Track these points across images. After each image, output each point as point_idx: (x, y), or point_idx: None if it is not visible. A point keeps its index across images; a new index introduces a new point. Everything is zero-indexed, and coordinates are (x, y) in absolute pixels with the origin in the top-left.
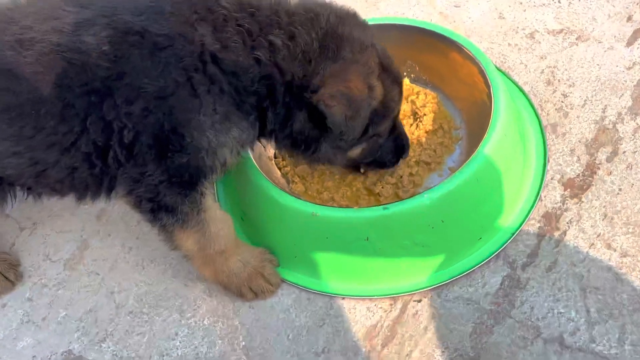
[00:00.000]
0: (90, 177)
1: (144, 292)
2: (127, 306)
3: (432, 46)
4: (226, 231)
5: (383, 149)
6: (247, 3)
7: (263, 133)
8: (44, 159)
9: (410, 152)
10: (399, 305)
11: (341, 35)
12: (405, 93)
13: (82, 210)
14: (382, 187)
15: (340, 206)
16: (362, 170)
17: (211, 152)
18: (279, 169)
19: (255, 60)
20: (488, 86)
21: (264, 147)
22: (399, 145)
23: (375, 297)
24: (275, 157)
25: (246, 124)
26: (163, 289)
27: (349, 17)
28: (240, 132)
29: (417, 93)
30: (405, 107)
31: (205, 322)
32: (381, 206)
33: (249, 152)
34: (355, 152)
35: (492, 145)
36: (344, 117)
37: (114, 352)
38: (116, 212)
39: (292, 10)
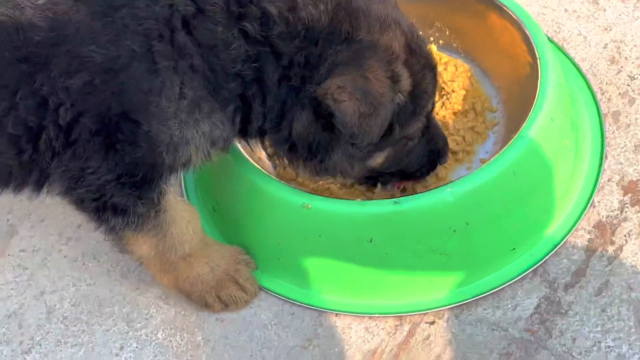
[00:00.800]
0: (17, 166)
1: (83, 295)
2: (61, 310)
3: (467, 6)
4: (191, 233)
5: (412, 155)
6: None
7: (247, 131)
8: None
9: None
10: (406, 327)
11: (357, 10)
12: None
13: None
14: None
15: (339, 198)
16: (379, 185)
17: (172, 148)
18: (265, 148)
19: (241, 32)
20: (535, 60)
21: (252, 148)
22: (433, 150)
23: (377, 315)
24: None
25: (221, 117)
26: (107, 292)
27: None
28: (212, 126)
29: (446, 64)
30: None
31: (159, 335)
32: (391, 200)
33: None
34: (377, 160)
35: (535, 131)
36: (358, 115)
37: None
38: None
39: None
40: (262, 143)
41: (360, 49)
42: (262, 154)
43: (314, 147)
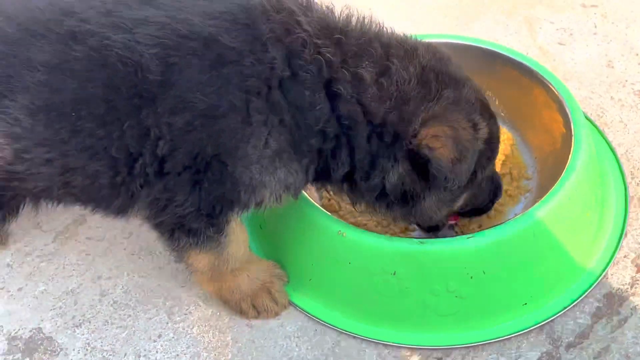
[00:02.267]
0: (109, 188)
1: (134, 285)
2: (113, 295)
3: (516, 80)
4: (242, 252)
5: (483, 194)
6: (334, 27)
7: (317, 179)
8: (74, 165)
9: None
10: (415, 358)
11: (439, 70)
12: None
13: None
14: None
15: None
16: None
17: (250, 189)
18: (325, 192)
19: (329, 95)
20: (570, 136)
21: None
22: (495, 186)
23: (391, 343)
24: None
25: (297, 167)
26: (156, 285)
27: (438, 51)
28: (287, 174)
29: None
30: None
31: (194, 330)
32: (417, 239)
33: (291, 199)
34: (460, 202)
35: (559, 200)
36: (450, 160)
37: (87, 341)
38: None
39: (386, 40)
40: (326, 189)
41: (447, 104)
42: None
43: (408, 195)
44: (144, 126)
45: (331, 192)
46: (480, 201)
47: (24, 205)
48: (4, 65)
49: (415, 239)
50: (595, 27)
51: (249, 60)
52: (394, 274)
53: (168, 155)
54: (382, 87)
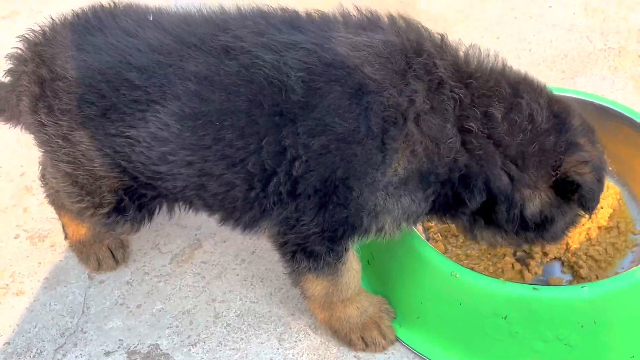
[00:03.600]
0: (242, 200)
1: (247, 309)
2: (227, 318)
3: (627, 136)
4: (355, 282)
5: None
6: (464, 71)
7: (443, 211)
8: (211, 171)
9: (577, 244)
10: None
11: (563, 103)
12: None
13: None
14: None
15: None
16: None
17: (373, 215)
18: (422, 222)
19: (459, 129)
20: None
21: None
22: None
23: None
24: None
25: (421, 196)
26: (267, 311)
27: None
28: (411, 202)
29: None
30: None
31: (303, 357)
32: (531, 285)
33: (407, 229)
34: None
35: None
36: (597, 183)
37: None
38: None
39: (513, 78)
40: (442, 220)
41: (578, 132)
42: (419, 226)
43: (543, 222)
44: (282, 145)
45: (450, 224)
46: None
47: (159, 208)
48: (160, 74)
49: (528, 285)
50: None
51: (389, 92)
52: (505, 317)
53: (301, 177)
54: (514, 122)
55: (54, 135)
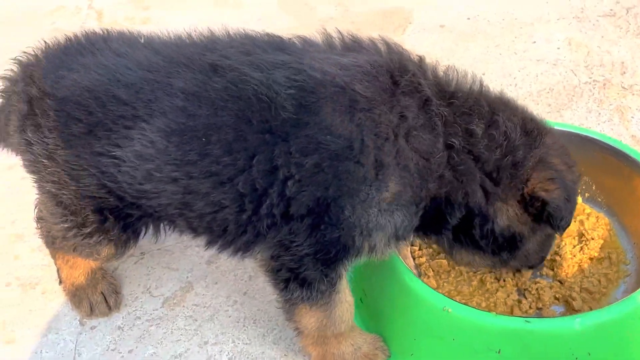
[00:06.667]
0: (233, 223)
1: (239, 351)
2: None
3: (615, 168)
4: (349, 315)
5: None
6: (446, 90)
7: (427, 228)
8: (197, 188)
9: (570, 278)
10: None
11: (535, 121)
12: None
13: (194, 252)
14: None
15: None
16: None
17: (365, 233)
18: (413, 258)
19: (446, 145)
20: None
21: (410, 244)
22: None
23: None
24: (412, 245)
25: (412, 210)
26: (260, 353)
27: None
28: (403, 217)
29: (588, 215)
30: (571, 227)
31: None
32: (523, 318)
33: (395, 248)
34: (553, 243)
35: None
36: (564, 200)
37: None
38: (228, 262)
39: (490, 97)
40: (426, 238)
41: (549, 149)
42: (412, 262)
43: (512, 240)
44: (274, 164)
45: (432, 243)
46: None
47: (145, 229)
48: (147, 90)
49: (520, 318)
50: None
51: (380, 109)
52: (499, 352)
53: (294, 197)
54: (493, 138)
55: (40, 155)
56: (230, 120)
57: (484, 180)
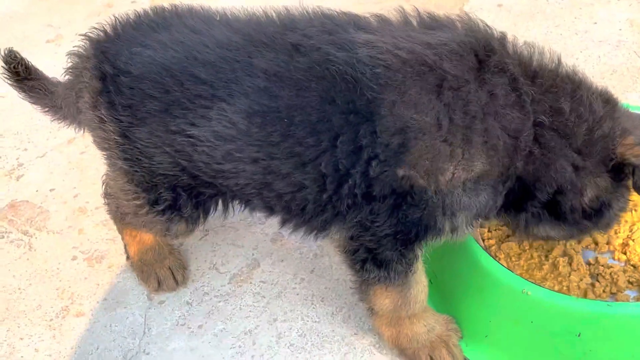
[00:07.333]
0: (312, 203)
1: (309, 329)
2: (289, 338)
3: None
4: (423, 296)
5: None
6: (530, 68)
7: (510, 206)
8: (278, 169)
9: None
10: None
11: (608, 92)
12: None
13: (258, 229)
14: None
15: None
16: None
17: (449, 213)
18: (482, 239)
19: (534, 123)
20: None
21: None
22: None
23: None
24: (481, 227)
25: (500, 190)
26: (330, 331)
27: None
28: (488, 198)
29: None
30: None
31: None
32: (605, 302)
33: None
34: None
35: None
36: None
37: None
38: (293, 240)
39: (570, 73)
40: (502, 217)
41: (625, 117)
42: (481, 244)
43: (602, 206)
44: (358, 144)
45: (505, 222)
46: None
47: (215, 207)
48: (227, 70)
49: (602, 302)
50: None
51: (469, 87)
52: (579, 335)
53: (377, 177)
54: (579, 114)
55: (113, 132)
56: (314, 101)
57: (572, 155)
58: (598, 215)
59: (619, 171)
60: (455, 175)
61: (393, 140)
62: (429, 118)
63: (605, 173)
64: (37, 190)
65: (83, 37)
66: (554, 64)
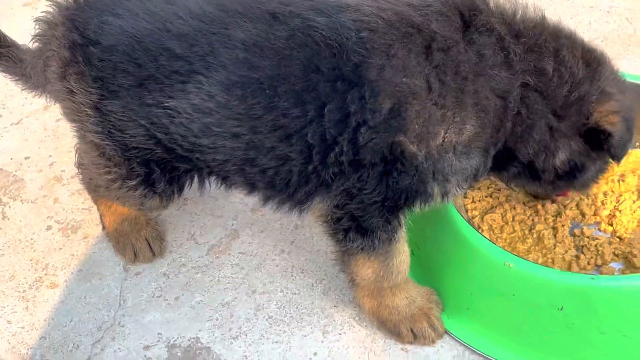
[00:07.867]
0: (297, 175)
1: (288, 301)
2: (268, 310)
3: None
4: (405, 266)
5: None
6: (514, 27)
7: (495, 167)
8: (261, 143)
9: (630, 234)
10: None
11: (594, 52)
12: (634, 165)
13: (237, 199)
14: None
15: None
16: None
17: (441, 178)
18: (466, 210)
19: (521, 84)
20: None
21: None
22: None
23: None
24: (465, 197)
25: (491, 152)
26: (309, 303)
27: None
28: (479, 159)
29: None
30: (630, 181)
31: (349, 350)
32: (589, 275)
33: (466, 188)
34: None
35: None
36: (626, 131)
37: (245, 354)
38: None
39: (554, 32)
40: (500, 177)
41: (606, 79)
42: (464, 216)
43: (574, 170)
44: (346, 112)
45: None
46: None
47: (190, 183)
48: (203, 42)
49: (586, 275)
50: None
51: (458, 48)
52: (561, 309)
53: (366, 144)
54: (560, 75)
55: (83, 104)
56: (297, 70)
57: (549, 117)
58: (571, 177)
59: (594, 135)
60: (447, 138)
61: (383, 106)
62: (419, 81)
63: (578, 136)
64: (11, 158)
65: (51, 3)
66: (537, 21)
